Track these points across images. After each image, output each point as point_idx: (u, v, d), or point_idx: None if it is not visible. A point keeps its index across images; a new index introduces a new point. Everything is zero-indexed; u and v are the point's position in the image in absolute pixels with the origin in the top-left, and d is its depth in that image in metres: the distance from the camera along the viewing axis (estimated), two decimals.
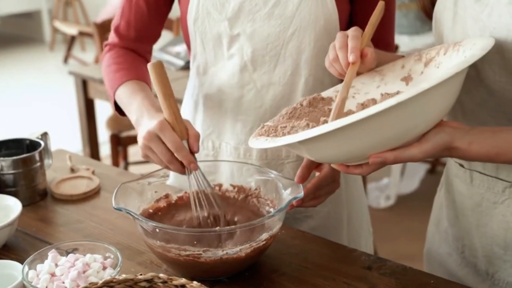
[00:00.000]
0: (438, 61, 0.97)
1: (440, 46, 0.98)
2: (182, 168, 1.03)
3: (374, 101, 1.03)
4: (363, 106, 1.03)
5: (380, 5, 1.07)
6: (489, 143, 0.86)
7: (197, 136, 1.04)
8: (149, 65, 1.03)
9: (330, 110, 1.04)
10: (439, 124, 0.86)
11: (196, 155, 1.30)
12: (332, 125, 0.79)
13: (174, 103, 1.03)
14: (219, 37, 1.19)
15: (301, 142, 0.85)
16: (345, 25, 1.20)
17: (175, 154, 1.01)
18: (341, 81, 1.02)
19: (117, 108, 1.24)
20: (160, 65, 1.03)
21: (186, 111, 1.32)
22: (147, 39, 1.29)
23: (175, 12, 1.31)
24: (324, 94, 1.07)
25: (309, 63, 1.18)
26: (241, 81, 1.21)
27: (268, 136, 0.96)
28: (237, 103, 1.22)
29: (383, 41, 1.22)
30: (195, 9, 1.18)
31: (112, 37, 1.29)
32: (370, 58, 1.00)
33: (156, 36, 1.31)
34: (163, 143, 1.01)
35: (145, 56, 1.30)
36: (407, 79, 1.01)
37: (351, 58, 0.98)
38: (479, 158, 0.88)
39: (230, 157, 1.26)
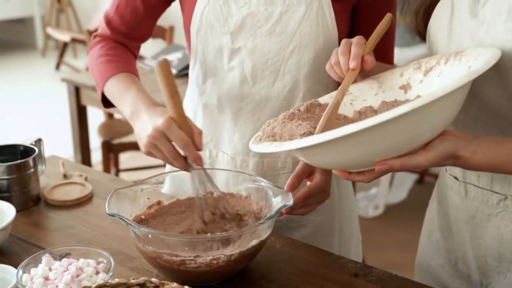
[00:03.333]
0: (438, 70, 0.98)
1: (440, 55, 0.99)
2: (186, 165, 1.05)
3: (371, 109, 1.04)
4: (360, 113, 1.04)
5: (387, 17, 1.09)
6: (493, 153, 0.87)
7: (201, 133, 1.06)
8: (155, 64, 1.03)
9: None
10: (443, 133, 0.87)
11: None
12: (342, 130, 0.79)
13: (179, 101, 1.04)
14: (220, 49, 1.21)
15: (306, 148, 0.85)
16: None
17: (184, 151, 1.03)
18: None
19: (103, 99, 1.25)
20: (166, 64, 1.03)
21: None
22: (138, 37, 1.30)
23: (168, 20, 1.33)
24: (321, 100, 1.08)
25: (308, 80, 1.20)
26: (241, 93, 1.23)
27: (273, 140, 0.95)
28: (236, 115, 1.24)
29: (384, 57, 1.24)
30: (199, 20, 1.20)
31: (103, 28, 1.29)
32: (370, 66, 1.02)
33: (147, 36, 1.32)
34: (169, 141, 1.03)
35: (134, 52, 1.31)
36: (405, 87, 1.02)
37: (352, 64, 1.01)
38: (482, 167, 0.89)
39: (226, 166, 1.27)
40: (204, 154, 1.30)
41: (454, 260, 1.11)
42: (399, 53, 3.12)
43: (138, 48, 1.33)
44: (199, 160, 1.05)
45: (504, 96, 0.93)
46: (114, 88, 1.20)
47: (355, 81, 1.07)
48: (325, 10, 1.17)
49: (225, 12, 1.19)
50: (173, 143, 1.04)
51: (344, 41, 1.05)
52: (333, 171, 0.95)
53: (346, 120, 1.04)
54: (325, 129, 0.98)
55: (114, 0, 1.28)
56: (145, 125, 1.05)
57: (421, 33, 1.10)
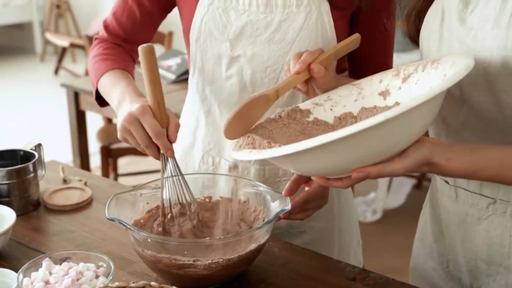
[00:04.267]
0: (416, 78, 0.99)
1: (418, 62, 1.00)
2: (157, 154, 1.05)
3: (351, 114, 1.05)
4: (340, 119, 1.06)
5: (353, 36, 1.13)
6: (468, 160, 0.88)
7: (178, 125, 1.05)
8: (140, 48, 1.03)
9: (308, 122, 1.06)
10: (419, 140, 0.88)
11: (196, 169, 1.30)
12: (319, 139, 0.80)
13: (159, 89, 1.03)
14: (219, 57, 1.22)
15: (284, 156, 0.86)
16: None
17: (154, 140, 1.02)
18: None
19: (98, 98, 1.26)
20: (151, 50, 1.02)
21: (187, 126, 1.34)
22: (136, 41, 1.30)
23: (167, 26, 1.33)
24: (302, 106, 1.09)
25: None
26: (240, 101, 1.22)
27: (252, 148, 0.97)
28: None
29: (383, 64, 1.25)
30: (198, 27, 1.21)
31: (101, 32, 1.32)
32: (316, 74, 1.05)
33: (146, 41, 1.30)
34: (143, 127, 1.02)
35: (132, 55, 1.32)
36: (384, 94, 1.04)
37: (296, 67, 1.06)
38: (457, 174, 0.91)
39: (228, 173, 1.28)
40: (207, 161, 1.31)
41: (446, 263, 1.12)
42: (397, 59, 3.12)
43: (137, 52, 1.33)
44: (170, 152, 1.04)
45: (493, 102, 0.94)
46: (106, 83, 1.21)
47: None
48: (324, 18, 1.18)
49: (224, 20, 1.19)
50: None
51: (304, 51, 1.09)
52: (311, 177, 0.96)
53: (327, 126, 1.06)
54: (242, 111, 1.02)
55: (113, 6, 1.30)
56: (124, 112, 1.05)
57: (412, 37, 1.11)
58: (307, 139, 0.82)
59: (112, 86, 1.18)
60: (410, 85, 1.00)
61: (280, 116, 1.06)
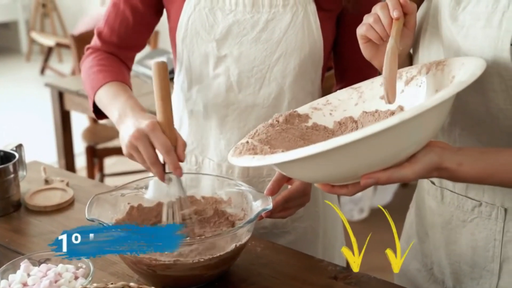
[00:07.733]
0: (420, 80, 0.97)
1: (421, 65, 0.98)
2: (163, 173, 1.05)
3: (351, 119, 1.03)
4: (340, 124, 1.03)
5: None
6: (480, 165, 0.86)
7: (185, 145, 1.06)
8: (153, 64, 1.04)
9: (306, 127, 1.04)
10: (428, 145, 0.86)
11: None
12: (329, 143, 0.77)
13: (169, 107, 1.05)
14: (206, 56, 1.21)
15: (289, 162, 0.83)
16: (328, 53, 1.24)
17: (164, 157, 1.03)
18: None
19: (95, 110, 1.26)
20: (164, 66, 1.05)
21: None
22: (130, 47, 1.31)
23: None
24: (300, 110, 1.06)
25: (293, 87, 1.21)
26: (226, 100, 1.23)
27: (254, 153, 0.93)
28: (221, 122, 1.25)
29: (369, 66, 1.22)
30: (184, 27, 1.21)
31: (95, 41, 1.30)
32: (411, 10, 0.96)
33: (140, 46, 1.32)
34: (151, 144, 1.02)
35: (126, 62, 1.31)
36: None
37: (395, 13, 0.95)
38: (469, 179, 0.88)
39: (212, 173, 1.27)
40: (190, 161, 1.31)
41: (430, 264, 1.12)
42: None
43: (132, 58, 1.33)
44: (178, 170, 1.04)
45: (481, 102, 0.94)
46: (104, 96, 1.20)
47: (334, 91, 1.08)
48: (310, 18, 1.17)
49: (211, 20, 1.19)
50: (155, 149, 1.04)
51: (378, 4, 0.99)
52: (315, 184, 0.93)
53: (326, 131, 1.03)
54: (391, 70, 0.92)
55: (105, 13, 1.29)
56: (129, 127, 1.06)
57: None
58: (316, 143, 0.78)
59: (111, 100, 1.17)
60: (413, 88, 0.98)
61: (278, 121, 1.03)
